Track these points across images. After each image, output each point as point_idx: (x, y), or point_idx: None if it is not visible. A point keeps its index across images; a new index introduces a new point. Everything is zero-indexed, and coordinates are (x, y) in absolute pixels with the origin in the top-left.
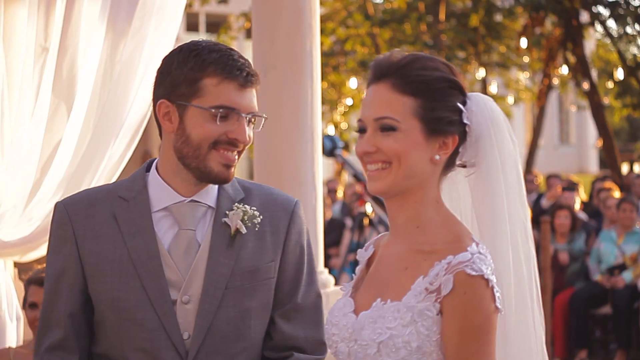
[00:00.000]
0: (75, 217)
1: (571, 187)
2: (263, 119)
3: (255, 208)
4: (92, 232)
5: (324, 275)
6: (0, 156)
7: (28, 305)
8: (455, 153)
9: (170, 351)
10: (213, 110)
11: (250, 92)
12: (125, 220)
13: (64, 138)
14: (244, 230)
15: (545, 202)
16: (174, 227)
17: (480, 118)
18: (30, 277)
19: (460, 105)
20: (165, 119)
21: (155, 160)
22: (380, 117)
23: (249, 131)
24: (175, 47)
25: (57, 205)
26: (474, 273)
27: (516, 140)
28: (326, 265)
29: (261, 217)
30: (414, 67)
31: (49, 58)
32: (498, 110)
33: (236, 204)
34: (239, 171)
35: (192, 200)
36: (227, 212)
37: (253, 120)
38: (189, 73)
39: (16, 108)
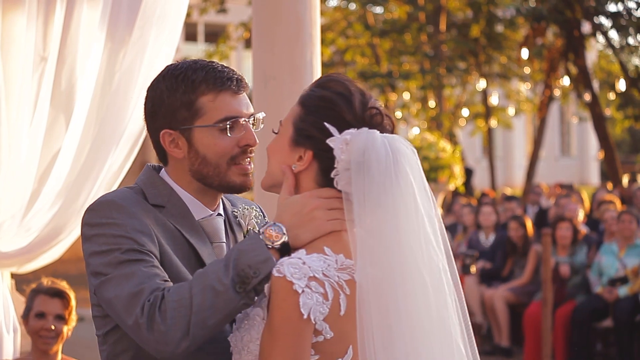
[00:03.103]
0: (133, 209)
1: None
2: (262, 117)
3: (249, 208)
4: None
5: None
6: None
7: (34, 314)
8: (324, 173)
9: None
10: (220, 125)
11: (244, 96)
12: (175, 222)
13: (62, 148)
14: (257, 228)
15: (544, 202)
16: (205, 238)
17: (356, 149)
18: (37, 287)
19: (331, 127)
20: (172, 146)
21: (162, 171)
22: (280, 120)
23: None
24: (157, 76)
25: (106, 201)
26: (276, 274)
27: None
28: None
29: (266, 216)
30: (316, 83)
31: (48, 67)
32: (393, 151)
33: (243, 205)
34: None
35: (218, 214)
36: (234, 213)
37: (253, 122)
38: (183, 97)
39: (14, 117)
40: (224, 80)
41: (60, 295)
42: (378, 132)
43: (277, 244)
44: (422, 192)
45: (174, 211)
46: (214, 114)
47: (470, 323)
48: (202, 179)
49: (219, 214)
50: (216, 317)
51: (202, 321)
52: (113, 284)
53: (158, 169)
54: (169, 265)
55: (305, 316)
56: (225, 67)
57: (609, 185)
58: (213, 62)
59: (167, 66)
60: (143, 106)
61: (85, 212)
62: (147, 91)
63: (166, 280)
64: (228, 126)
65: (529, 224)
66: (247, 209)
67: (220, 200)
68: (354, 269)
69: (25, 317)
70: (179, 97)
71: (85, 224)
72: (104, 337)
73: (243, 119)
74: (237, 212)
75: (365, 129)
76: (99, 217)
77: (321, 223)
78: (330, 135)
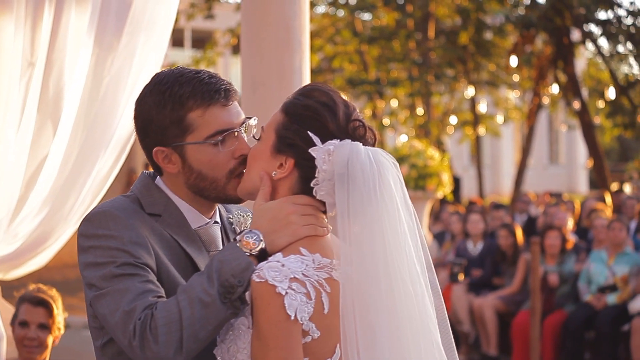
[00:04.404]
0: (129, 220)
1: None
2: (254, 123)
3: (245, 215)
4: (152, 239)
5: None
6: None
7: (18, 323)
8: (304, 182)
9: None
10: (212, 140)
11: (234, 105)
12: (172, 231)
13: (49, 154)
14: None
15: (533, 210)
16: (202, 247)
17: (339, 160)
18: (23, 295)
19: (314, 137)
20: (166, 162)
21: (157, 179)
22: (262, 126)
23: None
24: (143, 89)
25: (102, 212)
26: (257, 280)
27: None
28: None
29: None
30: (300, 92)
31: (36, 73)
32: (377, 164)
33: (238, 212)
34: None
35: (215, 222)
36: (230, 219)
37: (245, 129)
38: (171, 114)
39: (1, 123)
40: (212, 94)
41: (44, 304)
42: (361, 144)
43: (255, 250)
44: (404, 205)
45: (171, 220)
46: (204, 129)
47: (451, 335)
48: (198, 192)
49: (216, 222)
50: (207, 329)
51: (194, 335)
52: (107, 300)
53: (154, 176)
54: (166, 276)
55: (292, 317)
56: (212, 76)
57: (607, 195)
58: (199, 72)
59: (153, 77)
60: (133, 120)
61: (82, 222)
62: (136, 105)
63: (160, 296)
64: (220, 140)
65: (519, 232)
66: (243, 216)
67: (217, 207)
68: (331, 267)
69: (13, 324)
70: (167, 114)
71: (81, 234)
72: (101, 349)
73: (235, 130)
74: (232, 219)
75: (348, 141)
76: (95, 228)
77: (297, 228)
78: (313, 144)
